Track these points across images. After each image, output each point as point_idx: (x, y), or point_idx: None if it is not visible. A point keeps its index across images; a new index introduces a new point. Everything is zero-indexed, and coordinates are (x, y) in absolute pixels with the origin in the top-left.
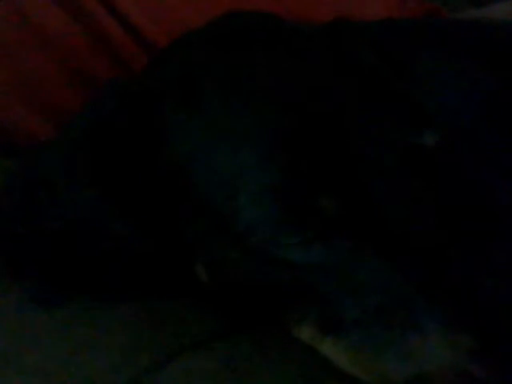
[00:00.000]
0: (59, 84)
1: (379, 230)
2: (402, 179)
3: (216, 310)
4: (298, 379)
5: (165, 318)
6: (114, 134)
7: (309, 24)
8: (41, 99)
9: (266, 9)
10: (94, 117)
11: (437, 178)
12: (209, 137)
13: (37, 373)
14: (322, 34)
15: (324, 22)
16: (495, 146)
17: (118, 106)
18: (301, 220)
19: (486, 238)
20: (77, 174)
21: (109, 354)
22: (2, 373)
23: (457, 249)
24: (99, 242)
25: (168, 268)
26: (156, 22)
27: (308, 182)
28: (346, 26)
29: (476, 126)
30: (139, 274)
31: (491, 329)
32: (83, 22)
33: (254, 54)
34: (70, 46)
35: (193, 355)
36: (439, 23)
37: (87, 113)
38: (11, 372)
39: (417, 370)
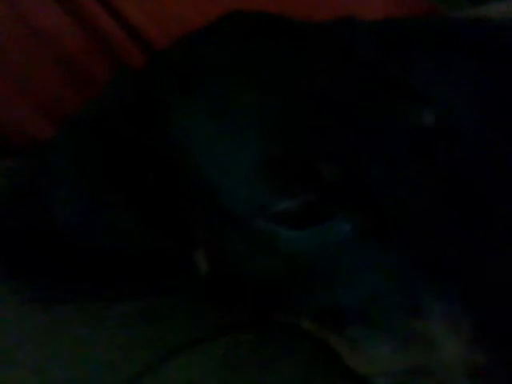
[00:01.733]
0: (58, 84)
1: (380, 209)
2: (401, 158)
3: (214, 306)
4: (299, 379)
5: (164, 317)
6: (117, 127)
7: (311, 22)
8: (40, 99)
9: (266, 8)
10: (97, 111)
11: (437, 158)
12: (207, 118)
13: (35, 371)
14: (330, 30)
15: (328, 19)
16: (492, 142)
17: (121, 98)
18: (300, 182)
19: (488, 218)
20: (81, 169)
21: (107, 351)
22: (1, 372)
23: (459, 230)
24: (101, 239)
25: (168, 262)
26: (155, 22)
27: (308, 151)
28: (353, 24)
29: (473, 120)
30: (139, 271)
31: (499, 317)
32: (82, 22)
33: (256, 45)
34: (69, 46)
35: (192, 354)
36: (437, 21)
37: (90, 107)
38: (9, 370)
39: (416, 358)
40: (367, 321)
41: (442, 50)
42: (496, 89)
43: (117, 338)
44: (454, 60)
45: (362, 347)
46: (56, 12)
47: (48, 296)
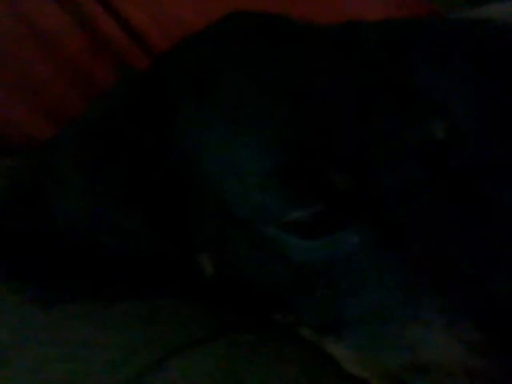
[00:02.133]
0: (59, 84)
1: (388, 220)
2: (413, 170)
3: (216, 307)
4: (299, 379)
5: (164, 317)
6: (122, 127)
7: (312, 24)
8: (40, 99)
9: (266, 9)
10: (103, 111)
11: (446, 170)
12: (218, 124)
13: (36, 371)
14: (334, 33)
15: (333, 22)
16: (493, 146)
17: (127, 100)
18: (311, 192)
19: (493, 232)
20: (84, 170)
21: (108, 352)
22: (1, 371)
23: (465, 241)
24: (102, 240)
25: (170, 264)
26: (156, 23)
27: (319, 159)
28: (359, 27)
29: (474, 125)
30: (141, 272)
31: (499, 323)
32: (82, 22)
33: (264, 49)
34: (70, 47)
35: (192, 354)
36: (437, 22)
37: (95, 107)
38: (10, 370)
39: (416, 360)
40: (369, 328)
41: (442, 52)
42: (497, 91)
43: (117, 338)
44: (455, 62)
45: (362, 353)
46: (56, 12)
47: (48, 296)
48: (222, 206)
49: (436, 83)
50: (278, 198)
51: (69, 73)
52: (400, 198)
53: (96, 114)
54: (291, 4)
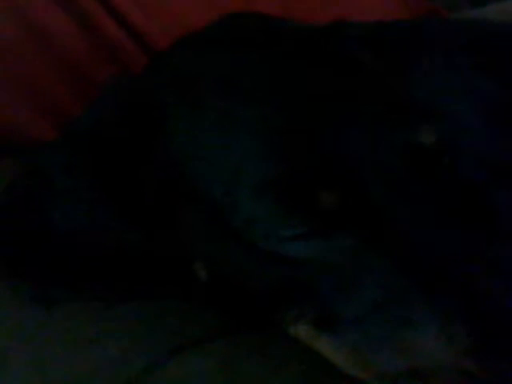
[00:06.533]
0: (59, 85)
1: (378, 226)
2: (400, 177)
3: (215, 309)
4: (298, 379)
5: (164, 317)
6: (113, 133)
7: (308, 25)
8: (40, 100)
9: (266, 10)
10: (94, 117)
11: (435, 177)
12: (208, 133)
13: (36, 371)
14: (321, 35)
15: (323, 23)
16: (493, 147)
17: (117, 105)
18: (301, 213)
19: (487, 238)
20: (77, 174)
21: (108, 352)
22: (1, 371)
23: (457, 247)
24: (99, 242)
25: (167, 267)
26: (156, 23)
27: (308, 176)
28: (344, 27)
29: (474, 126)
30: (139, 274)
31: (489, 326)
32: (83, 23)
33: (253, 55)
34: (70, 47)
35: (192, 354)
36: (437, 23)
37: (88, 113)
38: (11, 370)
39: (411, 364)
40: (364, 329)
41: (439, 53)
42: (496, 92)
43: (117, 339)
44: (453, 62)
45: (357, 353)
46: (57, 14)
47: (48, 296)
48: (213, 214)
49: (428, 85)
50: (269, 211)
51: (69, 73)
52: (389, 208)
53: (89, 119)
54: (290, 4)
